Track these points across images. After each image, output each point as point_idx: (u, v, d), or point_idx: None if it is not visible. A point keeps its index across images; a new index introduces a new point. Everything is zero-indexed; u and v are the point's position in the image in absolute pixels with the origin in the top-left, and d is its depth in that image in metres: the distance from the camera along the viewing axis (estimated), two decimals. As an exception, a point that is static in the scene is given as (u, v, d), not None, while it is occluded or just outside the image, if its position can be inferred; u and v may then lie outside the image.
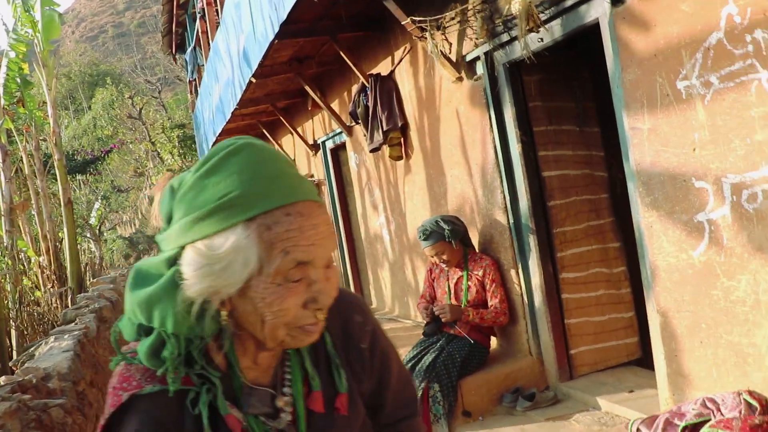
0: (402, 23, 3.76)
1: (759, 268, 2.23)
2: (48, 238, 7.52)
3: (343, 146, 6.39)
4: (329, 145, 6.69)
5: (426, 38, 3.65)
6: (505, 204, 3.61)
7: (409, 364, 3.52)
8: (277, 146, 8.27)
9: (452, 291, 3.72)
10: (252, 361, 0.92)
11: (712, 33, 2.24)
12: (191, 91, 12.39)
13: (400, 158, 4.80)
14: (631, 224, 2.83)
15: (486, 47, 3.47)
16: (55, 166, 7.98)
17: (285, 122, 7.37)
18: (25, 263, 7.46)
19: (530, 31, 2.98)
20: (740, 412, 2.21)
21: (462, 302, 3.66)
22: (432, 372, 3.40)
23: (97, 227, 17.44)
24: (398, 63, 4.57)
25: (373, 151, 4.94)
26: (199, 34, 9.59)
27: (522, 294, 3.62)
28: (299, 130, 7.37)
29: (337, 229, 6.73)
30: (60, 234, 8.21)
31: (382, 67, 4.82)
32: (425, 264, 4.34)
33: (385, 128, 4.64)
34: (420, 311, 3.77)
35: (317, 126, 6.84)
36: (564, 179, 3.56)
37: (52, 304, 6.88)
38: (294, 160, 7.80)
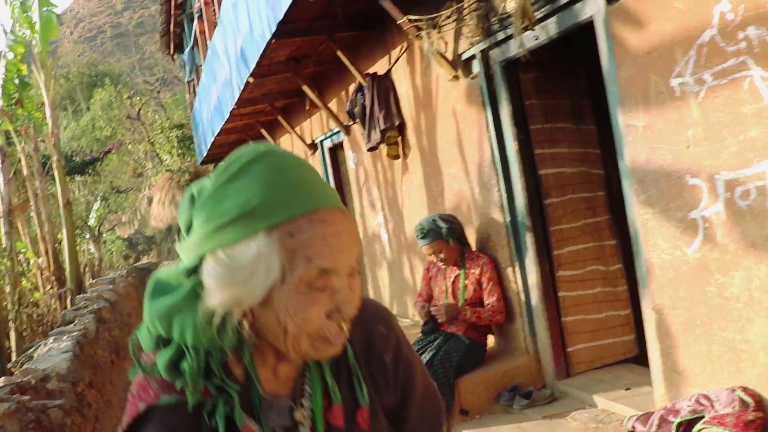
0: (398, 22, 3.77)
1: (752, 264, 2.24)
2: (47, 239, 7.53)
3: (340, 145, 6.39)
4: (327, 144, 6.70)
5: (422, 37, 3.66)
6: (502, 202, 3.62)
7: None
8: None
9: (449, 289, 3.73)
10: (271, 372, 0.90)
11: (705, 30, 2.25)
12: (190, 91, 12.40)
13: (397, 157, 4.81)
14: (627, 222, 2.84)
15: (482, 45, 3.48)
16: (54, 167, 7.99)
17: (283, 122, 7.38)
18: (24, 264, 7.47)
19: (525, 29, 3.00)
20: (734, 409, 2.22)
21: (459, 301, 3.66)
22: (429, 370, 3.40)
23: (96, 228, 17.42)
24: (395, 62, 4.58)
25: (370, 150, 4.95)
26: (197, 34, 9.60)
27: (519, 292, 3.63)
28: (297, 129, 7.37)
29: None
30: (59, 235, 8.22)
31: (379, 66, 4.82)
32: (423, 263, 4.35)
33: (382, 127, 4.64)
34: (417, 310, 3.78)
35: (315, 125, 6.84)
36: (560, 177, 3.57)
37: (51, 305, 6.89)
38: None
